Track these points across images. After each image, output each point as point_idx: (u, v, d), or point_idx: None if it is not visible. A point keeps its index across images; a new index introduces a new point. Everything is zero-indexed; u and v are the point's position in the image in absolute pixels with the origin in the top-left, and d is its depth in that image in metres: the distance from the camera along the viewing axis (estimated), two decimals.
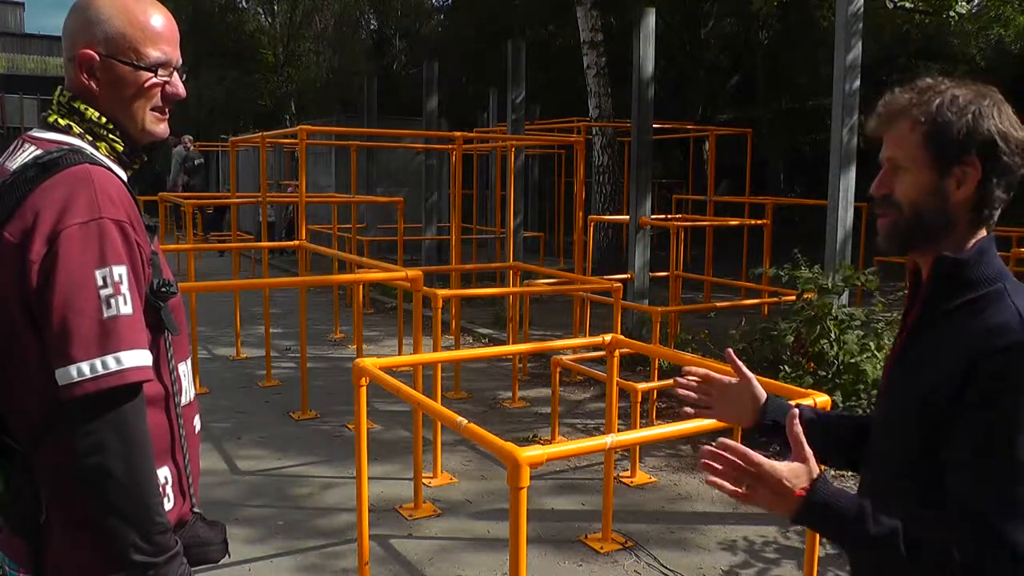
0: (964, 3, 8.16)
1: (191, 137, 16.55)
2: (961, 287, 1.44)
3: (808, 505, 1.35)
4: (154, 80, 1.56)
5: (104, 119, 1.55)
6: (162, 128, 1.61)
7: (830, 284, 5.63)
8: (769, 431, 1.69)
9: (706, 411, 1.77)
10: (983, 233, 1.47)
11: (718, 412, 1.76)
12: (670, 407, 6.23)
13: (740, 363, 1.71)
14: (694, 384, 1.76)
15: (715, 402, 1.75)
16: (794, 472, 1.37)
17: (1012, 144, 1.41)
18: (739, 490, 1.37)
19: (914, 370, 1.46)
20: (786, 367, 5.52)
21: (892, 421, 1.51)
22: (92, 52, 1.51)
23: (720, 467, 1.37)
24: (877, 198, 1.50)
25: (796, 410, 1.48)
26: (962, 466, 1.35)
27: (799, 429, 1.41)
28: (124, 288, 1.40)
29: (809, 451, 1.39)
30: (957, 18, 8.43)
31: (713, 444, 1.38)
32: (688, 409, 1.77)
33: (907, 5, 8.50)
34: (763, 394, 1.71)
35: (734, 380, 1.73)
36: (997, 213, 1.46)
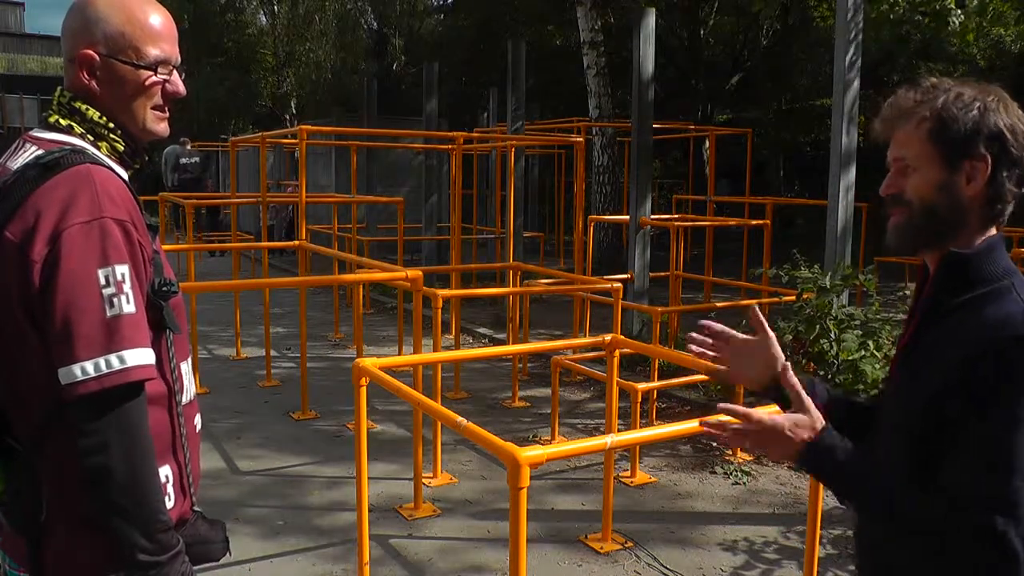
0: (959, 13, 8.19)
1: (187, 139, 16.55)
2: (968, 283, 1.44)
3: (813, 449, 1.43)
4: (154, 78, 1.56)
5: (105, 119, 1.55)
6: (162, 127, 1.61)
7: (829, 284, 5.63)
8: (775, 397, 1.65)
9: (720, 371, 1.71)
10: (992, 231, 1.47)
11: (732, 372, 1.69)
12: (670, 407, 6.23)
13: (763, 319, 1.64)
14: (708, 341, 1.71)
15: (729, 360, 1.69)
16: (795, 422, 1.44)
17: (1020, 137, 1.41)
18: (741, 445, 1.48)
19: (920, 366, 1.47)
20: None
21: (899, 417, 1.51)
22: (92, 52, 1.52)
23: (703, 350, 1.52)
24: (887, 198, 1.49)
25: (787, 362, 1.54)
26: (957, 458, 1.36)
27: (795, 380, 1.46)
28: (127, 287, 1.41)
29: (809, 401, 1.46)
30: (955, 25, 8.46)
31: (719, 407, 1.48)
32: (694, 348, 1.70)
33: (903, 7, 8.53)
34: (781, 357, 1.62)
35: (752, 338, 1.66)
36: (1009, 208, 1.46)
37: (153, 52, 1.55)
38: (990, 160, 1.41)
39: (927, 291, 1.50)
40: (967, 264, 1.44)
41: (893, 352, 1.66)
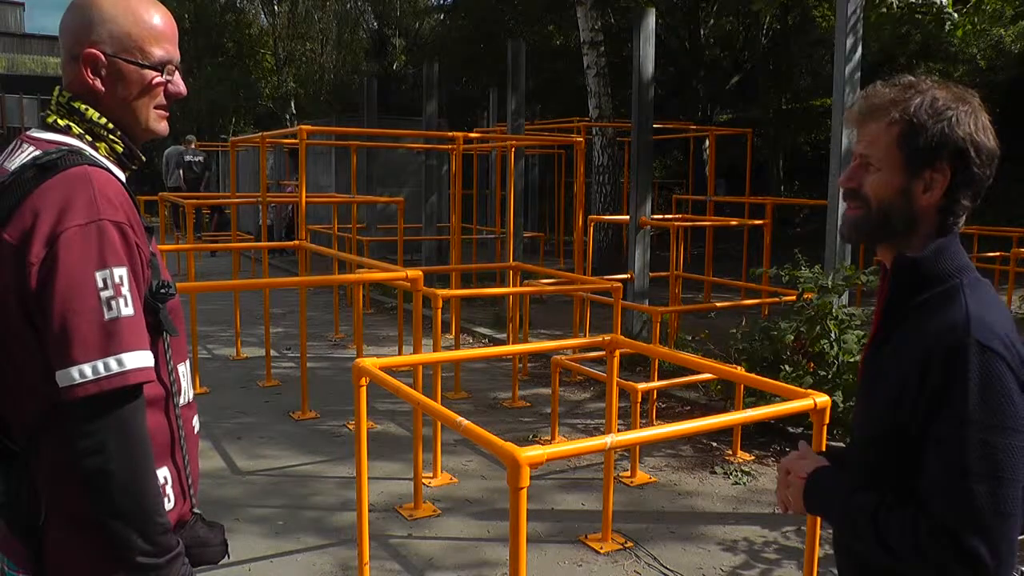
0: (953, 13, 8.21)
1: (192, 137, 16.54)
2: (921, 285, 1.46)
3: (809, 481, 1.55)
4: (159, 79, 1.56)
5: (104, 119, 1.55)
6: (163, 126, 1.61)
7: (830, 284, 5.63)
8: None
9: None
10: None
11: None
12: (670, 407, 6.23)
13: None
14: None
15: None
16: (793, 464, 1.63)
17: (983, 154, 1.43)
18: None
19: (881, 370, 1.49)
20: (786, 367, 5.53)
21: (866, 421, 1.53)
22: (97, 51, 1.51)
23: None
24: (845, 190, 1.52)
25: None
26: (926, 474, 1.36)
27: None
28: (125, 290, 1.40)
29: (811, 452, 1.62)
30: (955, 26, 8.49)
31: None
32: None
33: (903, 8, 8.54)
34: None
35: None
36: (962, 221, 1.48)
37: (158, 52, 1.55)
38: (950, 174, 1.42)
39: (885, 294, 1.52)
40: (918, 267, 1.46)
41: None
